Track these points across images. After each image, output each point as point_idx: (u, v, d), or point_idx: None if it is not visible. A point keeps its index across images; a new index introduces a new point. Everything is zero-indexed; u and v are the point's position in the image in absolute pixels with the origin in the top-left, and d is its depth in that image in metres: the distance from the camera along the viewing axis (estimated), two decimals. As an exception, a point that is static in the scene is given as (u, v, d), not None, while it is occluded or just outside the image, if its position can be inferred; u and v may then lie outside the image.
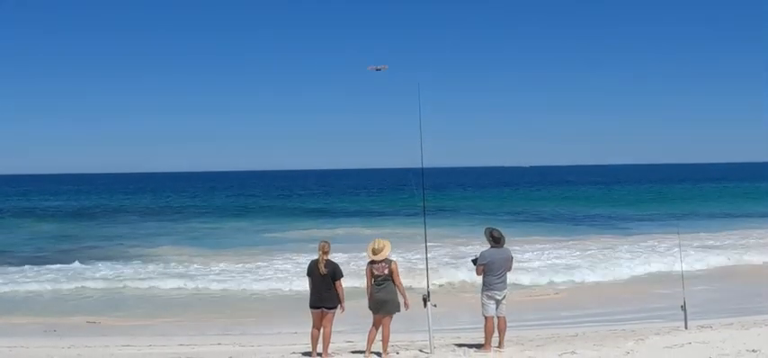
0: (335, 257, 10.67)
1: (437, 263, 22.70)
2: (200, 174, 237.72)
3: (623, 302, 17.98)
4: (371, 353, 10.30)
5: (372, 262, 10.21)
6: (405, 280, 10.79)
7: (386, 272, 10.13)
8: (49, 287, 20.31)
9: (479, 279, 10.71)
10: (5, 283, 20.79)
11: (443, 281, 19.84)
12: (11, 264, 24.82)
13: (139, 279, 21.28)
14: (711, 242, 28.28)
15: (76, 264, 24.57)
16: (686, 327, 12.21)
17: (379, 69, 11.75)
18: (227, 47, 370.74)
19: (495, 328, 10.61)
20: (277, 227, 40.85)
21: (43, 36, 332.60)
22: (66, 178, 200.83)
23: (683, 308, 12.40)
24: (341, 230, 37.40)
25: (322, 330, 10.29)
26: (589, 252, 25.99)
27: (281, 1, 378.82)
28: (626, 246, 27.40)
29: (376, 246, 10.19)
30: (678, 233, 20.05)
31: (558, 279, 20.43)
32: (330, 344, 10.40)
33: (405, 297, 10.24)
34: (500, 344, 10.70)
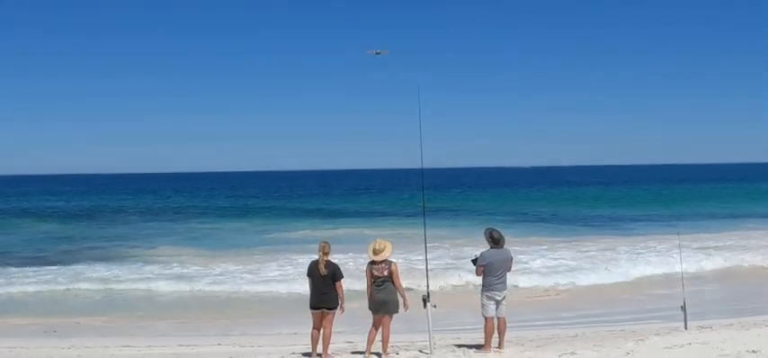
0: (335, 258, 10.67)
1: (437, 263, 22.72)
2: (200, 175, 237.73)
3: (623, 303, 17.99)
4: (371, 353, 10.30)
5: (373, 262, 10.22)
6: (405, 281, 10.79)
7: (386, 273, 10.14)
8: (48, 288, 20.31)
9: (479, 279, 10.72)
10: (5, 284, 20.80)
11: (443, 281, 19.82)
12: (11, 265, 24.82)
13: (139, 280, 21.28)
14: (711, 243, 28.27)
15: (76, 264, 24.60)
16: (686, 328, 12.22)
17: (379, 54, 11.82)
18: (226, 47, 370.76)
19: (494, 329, 10.62)
20: (277, 227, 40.88)
21: (43, 36, 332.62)
22: (66, 178, 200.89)
23: (683, 308, 12.41)
24: (341, 231, 37.41)
25: (322, 331, 10.29)
26: (589, 252, 25.99)
27: (281, 1, 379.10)
28: (626, 247, 27.42)
29: (377, 247, 10.20)
30: (678, 234, 20.01)
31: (557, 279, 20.42)
32: (330, 345, 10.40)
33: (404, 298, 10.25)
34: (500, 345, 10.70)
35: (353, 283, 15.25)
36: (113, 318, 16.80)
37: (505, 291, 10.64)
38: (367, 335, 10.46)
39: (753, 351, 9.88)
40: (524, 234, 33.53)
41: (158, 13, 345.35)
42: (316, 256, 10.28)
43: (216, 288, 20.09)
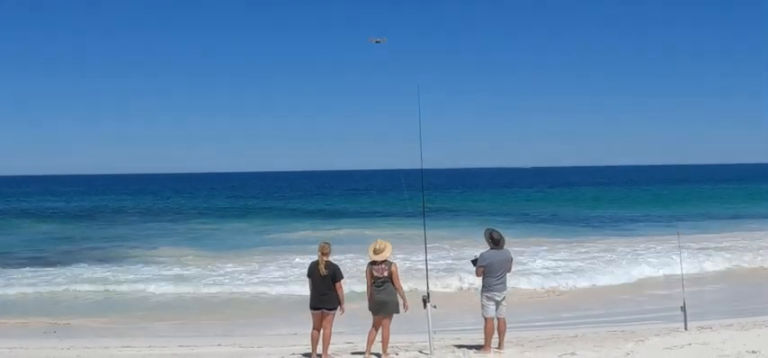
0: (335, 259, 10.67)
1: (437, 264, 22.72)
2: (200, 175, 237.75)
3: (623, 303, 17.99)
4: (371, 354, 10.30)
5: (373, 263, 10.22)
6: (404, 282, 10.78)
7: (386, 274, 10.14)
8: (48, 288, 20.29)
9: (479, 280, 10.72)
10: (5, 285, 20.79)
11: (443, 282, 19.79)
12: (11, 266, 24.82)
13: (139, 280, 21.26)
14: (712, 243, 28.26)
15: (76, 265, 24.60)
16: (686, 329, 12.22)
17: (379, 42, 11.99)
18: (226, 48, 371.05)
19: (494, 329, 10.62)
20: (277, 228, 40.87)
21: (43, 37, 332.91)
22: (66, 179, 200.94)
23: (683, 309, 12.40)
24: (341, 232, 37.40)
25: (322, 331, 10.29)
26: (589, 253, 25.98)
27: (280, 2, 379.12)
28: (626, 248, 27.39)
29: (377, 247, 10.22)
30: (678, 234, 19.98)
31: (558, 280, 20.39)
32: (330, 346, 10.40)
33: (404, 299, 10.25)
34: (500, 345, 10.71)
35: (354, 285, 15.29)
36: (113, 319, 16.79)
37: (505, 292, 10.64)
38: (367, 335, 10.47)
39: (753, 351, 9.88)
40: (524, 234, 33.51)
41: (158, 13, 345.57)
42: (316, 257, 10.29)
43: (216, 288, 20.07)
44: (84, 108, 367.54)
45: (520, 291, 18.51)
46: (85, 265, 24.58)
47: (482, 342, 10.77)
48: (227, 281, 21.17)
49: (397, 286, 10.19)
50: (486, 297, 10.53)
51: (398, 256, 18.52)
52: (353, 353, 11.02)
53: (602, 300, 18.35)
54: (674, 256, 21.66)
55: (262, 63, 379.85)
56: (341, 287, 10.23)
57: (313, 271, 10.30)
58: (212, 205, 68.66)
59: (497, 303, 10.52)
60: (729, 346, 10.29)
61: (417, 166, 10.83)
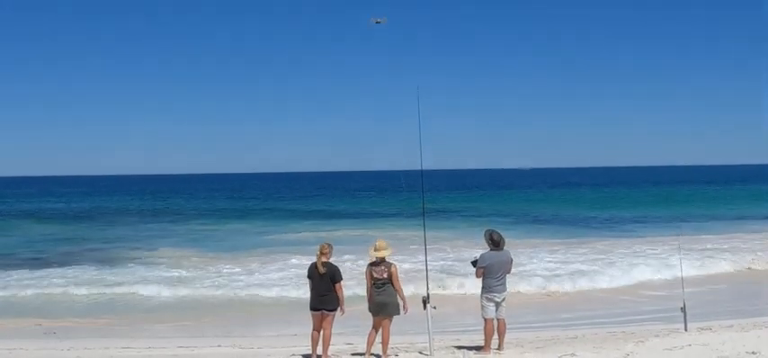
0: (335, 260, 10.68)
1: (437, 265, 22.71)
2: (200, 177, 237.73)
3: (623, 304, 17.98)
4: (371, 355, 10.30)
5: (373, 264, 10.23)
6: (404, 284, 10.77)
7: (385, 275, 10.15)
8: (48, 289, 20.28)
9: (479, 281, 10.71)
10: (5, 286, 20.79)
11: (443, 283, 19.78)
12: (11, 267, 24.80)
13: (139, 281, 21.25)
14: (712, 244, 28.23)
15: (76, 266, 24.60)
16: (686, 330, 12.21)
17: (379, 22, 12.12)
18: (226, 49, 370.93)
19: (494, 330, 10.62)
20: (277, 229, 40.86)
21: (43, 38, 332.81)
22: (66, 180, 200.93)
23: (683, 310, 12.40)
24: (341, 232, 37.37)
25: (322, 332, 10.29)
26: (589, 254, 25.97)
27: (280, 3, 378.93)
28: (626, 249, 27.39)
29: (377, 245, 10.25)
30: (678, 235, 20.03)
31: (558, 281, 20.39)
32: (330, 347, 10.39)
33: (404, 300, 10.25)
34: (500, 347, 10.70)
35: (354, 287, 15.25)
36: (113, 320, 16.79)
37: (505, 293, 10.64)
38: (367, 336, 10.47)
39: (753, 352, 9.88)
40: (524, 236, 33.48)
41: (157, 14, 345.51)
42: (316, 258, 10.29)
43: (216, 289, 20.07)
44: (85, 109, 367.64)
45: (520, 292, 18.50)
46: (85, 266, 24.58)
47: (482, 343, 10.77)
48: (226, 282, 21.16)
49: (396, 287, 10.19)
50: (486, 298, 10.52)
51: (398, 258, 18.52)
52: (353, 355, 11.02)
53: (601, 301, 18.35)
54: (674, 257, 21.66)
55: (262, 64, 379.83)
56: (341, 288, 10.23)
57: (313, 272, 10.30)
58: (212, 206, 68.64)
59: (497, 304, 10.52)
60: (729, 347, 10.28)
61: (417, 167, 10.84)
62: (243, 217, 52.78)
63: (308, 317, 10.55)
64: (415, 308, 10.41)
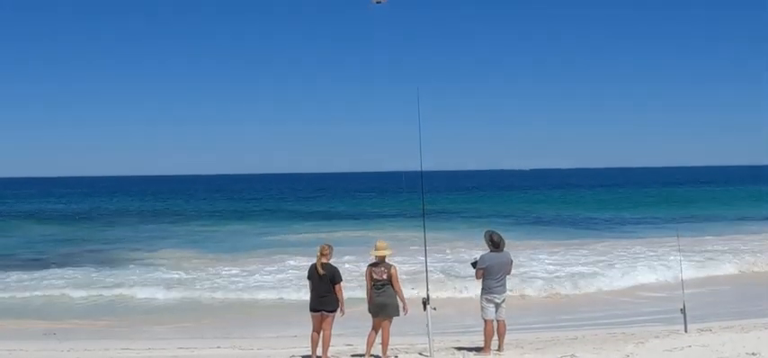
0: (335, 261, 10.68)
1: (437, 266, 22.69)
2: (200, 178, 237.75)
3: (623, 305, 17.98)
4: (371, 356, 10.31)
5: (372, 265, 10.24)
6: (404, 286, 10.76)
7: (385, 276, 10.15)
8: (48, 290, 20.27)
9: (479, 282, 10.71)
10: (5, 287, 20.80)
11: (443, 284, 19.77)
12: (11, 268, 24.80)
13: (139, 282, 21.23)
14: (712, 245, 28.23)
15: (76, 267, 24.59)
16: (686, 331, 12.21)
17: (380, 2, 12.20)
18: (226, 49, 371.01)
19: (494, 332, 10.62)
20: (277, 230, 40.85)
21: (43, 38, 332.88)
22: (66, 181, 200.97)
23: (683, 311, 12.39)
24: (341, 234, 37.37)
25: (322, 333, 10.29)
26: (589, 255, 25.96)
27: (280, 3, 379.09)
28: (626, 250, 27.38)
29: (378, 245, 10.28)
30: (678, 236, 19.99)
31: (558, 282, 20.38)
32: (330, 348, 10.40)
33: (403, 302, 10.26)
34: (499, 348, 10.71)
35: (354, 290, 15.21)
36: (113, 321, 16.79)
37: (505, 294, 10.65)
38: (366, 337, 10.47)
39: (752, 354, 9.88)
40: (524, 237, 33.47)
41: (157, 15, 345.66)
42: (316, 259, 10.29)
43: (215, 291, 20.04)
44: (85, 109, 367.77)
45: (519, 293, 18.49)
46: (85, 267, 24.57)
47: (482, 344, 10.77)
48: (226, 283, 21.15)
49: (396, 289, 10.20)
50: (486, 299, 10.52)
51: (398, 259, 18.53)
52: (353, 356, 11.02)
53: (601, 303, 18.34)
54: (674, 259, 21.65)
55: (262, 64, 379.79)
56: (340, 289, 10.23)
57: (312, 273, 10.31)
58: (212, 207, 68.64)
59: (497, 305, 10.52)
60: (729, 348, 10.28)
61: (417, 168, 10.83)
62: (243, 218, 52.78)
63: (307, 319, 10.55)
64: (414, 309, 10.42)
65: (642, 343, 11.15)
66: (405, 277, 15.79)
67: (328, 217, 53.89)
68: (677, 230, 23.76)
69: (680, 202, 64.06)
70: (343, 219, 51.68)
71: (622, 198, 74.55)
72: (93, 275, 22.74)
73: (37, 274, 22.93)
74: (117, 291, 20.18)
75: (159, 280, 21.73)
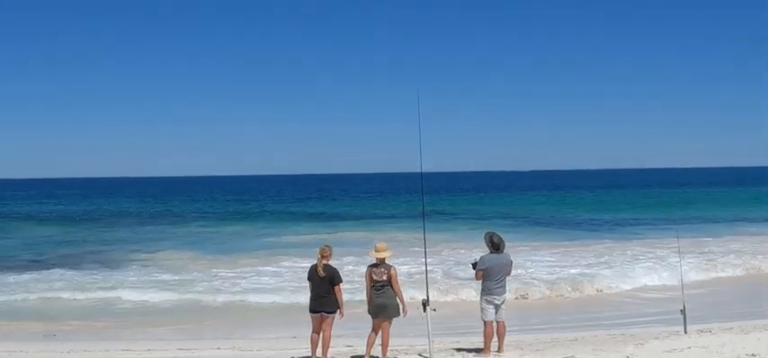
0: (336, 262, 10.69)
1: (436, 267, 22.70)
2: (200, 179, 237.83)
3: (623, 307, 17.98)
4: (371, 357, 10.30)
5: (372, 266, 10.24)
6: (403, 288, 10.76)
7: (385, 277, 10.16)
8: (48, 291, 20.27)
9: (478, 283, 10.72)
10: (5, 288, 20.79)
11: (442, 285, 19.78)
12: (11, 269, 24.82)
13: (139, 283, 21.25)
14: (712, 246, 28.25)
15: (76, 268, 24.60)
16: (686, 332, 12.21)
17: None
18: (226, 49, 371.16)
19: (494, 333, 10.62)
20: (277, 231, 40.85)
21: (43, 38, 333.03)
22: (66, 182, 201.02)
23: (683, 312, 12.40)
24: (341, 235, 37.39)
25: (321, 334, 10.30)
26: (589, 256, 25.98)
27: (280, 3, 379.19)
28: (626, 251, 27.40)
29: (378, 246, 10.28)
30: (678, 237, 19.99)
31: (557, 283, 20.38)
32: (329, 349, 10.40)
33: (403, 303, 10.26)
34: (499, 349, 10.71)
35: (354, 293, 15.22)
36: (113, 322, 16.78)
37: (505, 296, 10.66)
38: (366, 339, 10.47)
39: (752, 355, 9.89)
40: (524, 238, 33.48)
41: (157, 15, 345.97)
42: (316, 260, 10.30)
43: (215, 292, 20.04)
44: (85, 109, 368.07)
45: (519, 295, 18.50)
46: (85, 269, 24.59)
47: (481, 345, 10.77)
48: (226, 284, 21.15)
49: (396, 290, 10.20)
50: (486, 300, 10.53)
51: (398, 260, 18.53)
52: (353, 357, 11.02)
53: (601, 304, 18.35)
54: (674, 260, 21.66)
55: (262, 64, 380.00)
56: (340, 291, 10.23)
57: (312, 274, 10.32)
58: (212, 208, 68.67)
59: (497, 307, 10.53)
60: (729, 350, 10.29)
61: (417, 170, 10.84)
62: (243, 219, 52.79)
63: (307, 320, 10.56)
64: (414, 310, 10.42)
65: (642, 344, 11.15)
66: (404, 279, 15.79)
67: (328, 218, 53.92)
68: (677, 231, 23.75)
69: (680, 203, 64.08)
70: (343, 220, 51.69)
71: (622, 199, 74.54)
72: (92, 276, 22.74)
73: (37, 275, 22.95)
74: (117, 293, 20.18)
75: (159, 281, 21.75)
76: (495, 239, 10.58)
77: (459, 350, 11.22)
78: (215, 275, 22.93)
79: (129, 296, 19.75)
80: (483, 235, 10.90)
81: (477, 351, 10.87)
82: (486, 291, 10.53)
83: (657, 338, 11.81)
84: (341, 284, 10.26)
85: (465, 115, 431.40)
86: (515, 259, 11.82)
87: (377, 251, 10.25)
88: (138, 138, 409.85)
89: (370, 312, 10.36)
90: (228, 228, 44.88)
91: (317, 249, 10.36)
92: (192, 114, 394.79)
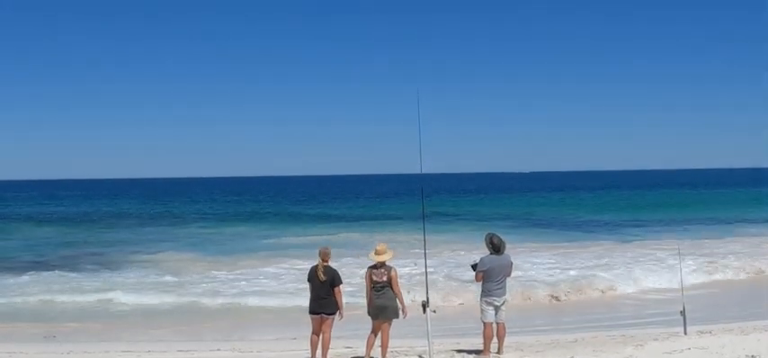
0: (336, 264, 10.69)
1: (436, 269, 22.70)
2: (200, 180, 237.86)
3: (623, 308, 17.99)
4: (370, 358, 10.31)
5: (372, 267, 10.24)
6: (403, 291, 10.77)
7: (385, 279, 10.16)
8: (48, 293, 20.27)
9: (479, 285, 10.72)
10: (5, 289, 20.80)
11: (442, 287, 19.78)
12: (11, 270, 24.83)
13: (139, 285, 21.27)
14: (713, 247, 28.23)
15: (76, 269, 24.61)
16: (685, 333, 12.20)
17: None
18: (226, 49, 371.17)
19: (494, 334, 10.62)
20: (278, 232, 40.87)
21: (43, 38, 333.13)
22: (66, 184, 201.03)
23: (683, 313, 12.39)
24: (341, 236, 37.41)
25: (321, 336, 10.30)
26: (589, 258, 25.98)
27: (281, 6, 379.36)
28: (626, 252, 27.41)
29: (378, 248, 10.28)
30: (678, 238, 20.03)
31: (558, 285, 20.38)
32: (329, 350, 10.40)
33: (403, 305, 10.25)
34: (499, 350, 10.71)
35: (354, 293, 15.22)
36: (113, 324, 16.78)
37: (505, 297, 10.64)
38: (366, 340, 10.47)
39: (752, 356, 9.88)
40: (524, 239, 33.50)
41: (156, 16, 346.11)
42: (316, 261, 10.30)
43: (216, 293, 20.05)
44: (85, 110, 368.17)
45: (519, 296, 18.50)
46: (86, 270, 24.59)
47: (481, 347, 10.77)
48: (226, 285, 21.16)
49: (396, 291, 10.20)
50: (486, 302, 10.52)
51: (398, 261, 18.51)
52: (353, 358, 11.03)
53: (601, 305, 18.35)
54: (674, 261, 21.65)
55: (262, 64, 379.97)
56: (340, 292, 10.23)
57: (312, 275, 10.31)
58: (212, 210, 68.69)
59: (497, 308, 10.52)
60: (729, 351, 10.28)
61: (417, 171, 10.83)
62: (243, 221, 52.81)
63: (307, 321, 10.55)
64: (414, 311, 10.42)
65: (641, 345, 11.14)
66: (404, 281, 15.80)
67: (329, 219, 53.91)
68: (677, 233, 23.79)
69: (680, 205, 64.07)
70: (343, 221, 51.70)
71: (622, 200, 74.58)
72: (92, 278, 22.75)
73: (37, 277, 22.95)
74: (116, 294, 20.17)
75: (159, 283, 21.75)
76: (496, 241, 10.57)
77: (459, 351, 11.21)
78: (215, 277, 22.94)
79: (129, 297, 19.75)
80: (483, 236, 10.89)
81: (477, 352, 10.86)
82: (486, 293, 10.52)
83: (657, 339, 11.80)
84: (341, 286, 10.26)
85: (465, 116, 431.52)
86: (515, 260, 11.81)
87: (377, 253, 10.24)
88: (139, 138, 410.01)
89: (369, 313, 10.35)
90: (228, 229, 44.88)
91: (318, 250, 10.36)
92: (192, 115, 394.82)
